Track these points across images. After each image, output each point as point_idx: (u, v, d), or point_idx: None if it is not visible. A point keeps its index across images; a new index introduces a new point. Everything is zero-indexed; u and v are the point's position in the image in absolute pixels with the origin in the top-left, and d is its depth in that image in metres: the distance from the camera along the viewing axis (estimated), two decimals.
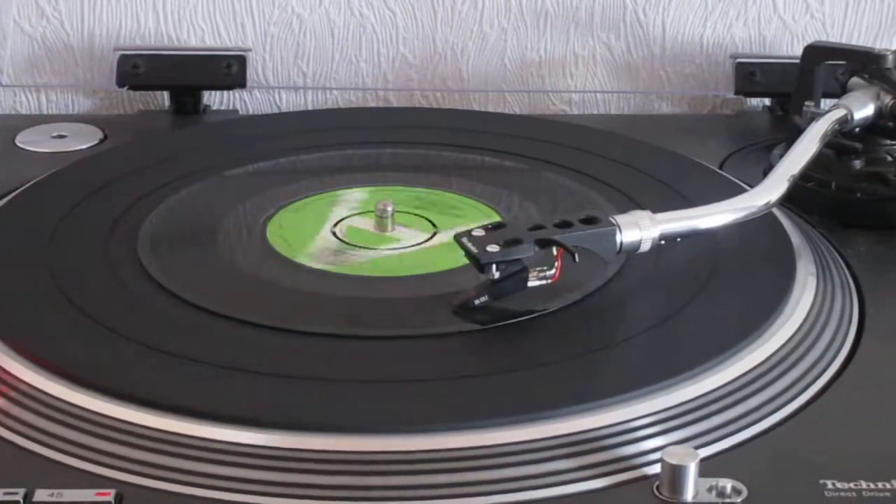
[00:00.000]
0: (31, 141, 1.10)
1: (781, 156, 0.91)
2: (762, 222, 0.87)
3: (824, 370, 0.77)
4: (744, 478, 0.66)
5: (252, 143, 1.05)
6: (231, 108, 1.22)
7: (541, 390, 0.72)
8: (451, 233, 0.82)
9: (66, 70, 1.21)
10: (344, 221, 0.91)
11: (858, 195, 0.96)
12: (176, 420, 0.69)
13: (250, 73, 1.19)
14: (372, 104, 1.23)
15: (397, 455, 0.67)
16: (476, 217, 0.91)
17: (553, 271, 0.78)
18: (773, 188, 0.87)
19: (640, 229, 0.80)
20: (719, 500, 0.65)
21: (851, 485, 0.67)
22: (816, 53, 1.04)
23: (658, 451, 0.67)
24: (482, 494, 0.66)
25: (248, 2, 1.20)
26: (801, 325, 0.79)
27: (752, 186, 0.88)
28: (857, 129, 0.96)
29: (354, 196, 0.95)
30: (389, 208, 0.89)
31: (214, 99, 1.21)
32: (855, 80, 0.99)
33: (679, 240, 0.82)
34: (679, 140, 1.09)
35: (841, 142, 0.96)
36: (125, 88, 1.19)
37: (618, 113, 1.24)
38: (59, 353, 0.74)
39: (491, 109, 1.23)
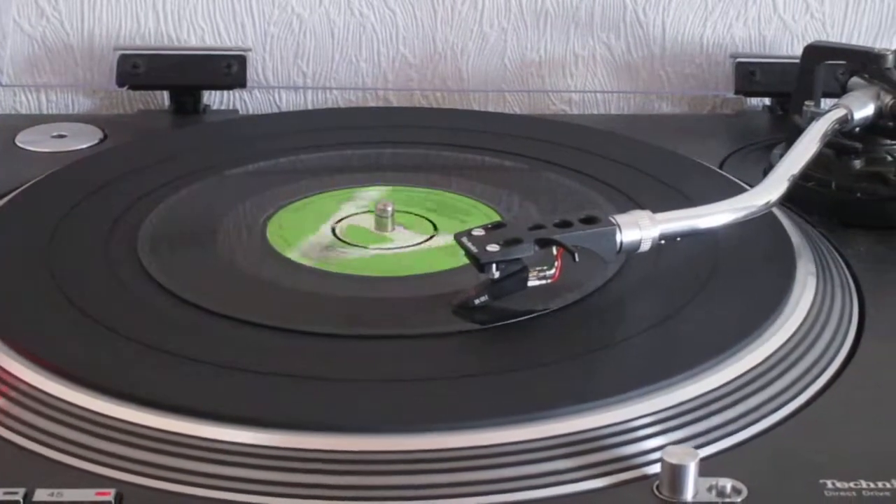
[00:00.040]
0: (31, 141, 1.10)
1: (781, 155, 0.91)
2: (762, 222, 0.87)
3: (824, 370, 0.77)
4: (744, 477, 0.66)
5: (252, 143, 1.05)
6: (231, 107, 1.22)
7: (541, 390, 0.72)
8: (448, 237, 0.82)
9: (65, 70, 1.21)
10: (348, 219, 0.91)
11: (858, 195, 0.96)
12: (176, 420, 0.69)
13: (250, 73, 1.19)
14: (372, 104, 1.23)
15: (397, 455, 0.67)
16: None
17: (553, 271, 0.78)
18: (773, 188, 0.87)
19: (640, 229, 0.80)
20: (719, 500, 0.65)
21: (851, 484, 0.67)
22: (816, 53, 1.04)
23: (658, 450, 0.67)
24: (482, 494, 0.66)
25: (248, 2, 1.20)
26: (800, 325, 0.79)
27: (752, 186, 0.88)
28: (857, 129, 0.96)
29: (370, 195, 0.95)
30: (389, 208, 0.90)
31: (214, 99, 1.21)
32: (855, 79, 0.99)
33: (679, 239, 0.82)
34: (679, 140, 1.09)
35: (841, 141, 0.96)
36: (125, 88, 1.19)
37: (618, 113, 1.24)
38: (59, 353, 0.74)
39: (491, 109, 1.23)
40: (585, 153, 1.02)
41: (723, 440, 0.71)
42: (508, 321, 0.78)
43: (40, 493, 0.64)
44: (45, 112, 1.22)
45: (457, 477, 0.67)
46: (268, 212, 0.92)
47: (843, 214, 0.96)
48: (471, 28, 1.21)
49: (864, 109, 0.95)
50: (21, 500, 0.64)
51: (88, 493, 0.65)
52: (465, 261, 0.78)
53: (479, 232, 0.79)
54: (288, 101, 1.23)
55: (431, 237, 0.89)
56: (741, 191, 0.89)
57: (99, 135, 1.11)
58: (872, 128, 0.96)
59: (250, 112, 1.22)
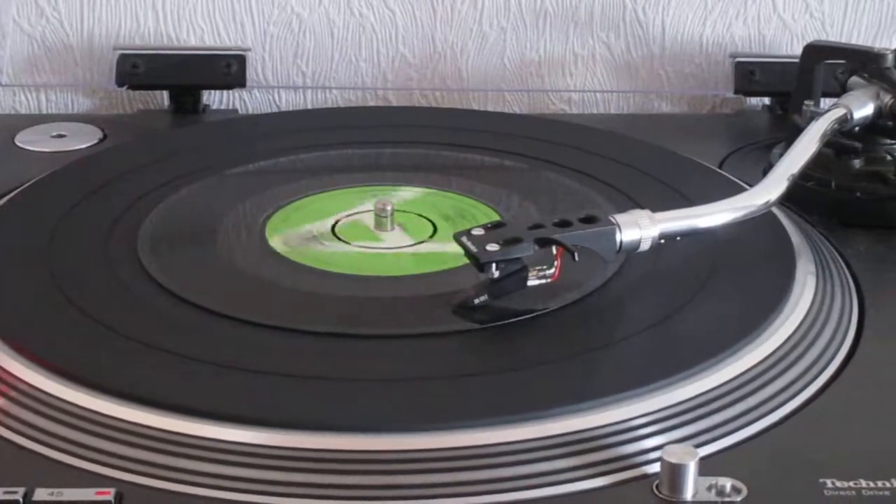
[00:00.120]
0: (31, 140, 1.10)
1: (781, 155, 0.91)
2: (762, 221, 0.87)
3: (824, 369, 0.77)
4: (743, 476, 0.66)
5: (252, 143, 1.05)
6: (231, 107, 1.22)
7: (540, 389, 0.72)
8: (440, 246, 0.82)
9: (65, 69, 1.21)
10: (358, 215, 0.91)
11: (858, 194, 0.96)
12: (175, 419, 0.69)
13: (250, 73, 1.19)
14: (371, 103, 1.23)
15: (397, 454, 0.67)
16: None
17: (553, 270, 0.78)
18: (772, 187, 0.87)
19: (639, 228, 0.80)
20: (719, 499, 0.65)
21: (851, 483, 0.67)
22: (816, 53, 1.04)
23: (658, 449, 0.67)
24: (481, 494, 0.66)
25: (247, 1, 1.20)
26: (800, 324, 0.79)
27: (751, 186, 0.88)
28: (857, 129, 0.96)
29: (400, 195, 0.95)
30: (388, 208, 0.90)
31: (214, 98, 1.21)
32: (854, 79, 0.99)
33: (679, 239, 0.82)
34: (679, 139, 1.09)
35: (840, 141, 0.96)
36: (125, 88, 1.19)
37: (617, 112, 1.24)
38: (59, 353, 0.74)
39: (490, 109, 1.23)
40: (585, 153, 1.02)
41: (722, 439, 0.71)
42: (508, 321, 0.78)
43: (40, 493, 0.64)
44: (44, 112, 1.22)
45: (456, 476, 0.67)
46: (267, 211, 0.92)
47: (843, 214, 0.96)
48: (470, 28, 1.21)
49: (863, 109, 0.95)
50: (21, 500, 0.64)
51: (88, 493, 0.65)
52: (453, 263, 0.78)
53: (478, 231, 0.79)
54: (287, 101, 1.23)
55: (419, 242, 0.89)
56: (741, 190, 0.89)
57: (98, 134, 1.11)
58: (872, 127, 0.96)
59: (250, 112, 1.22)
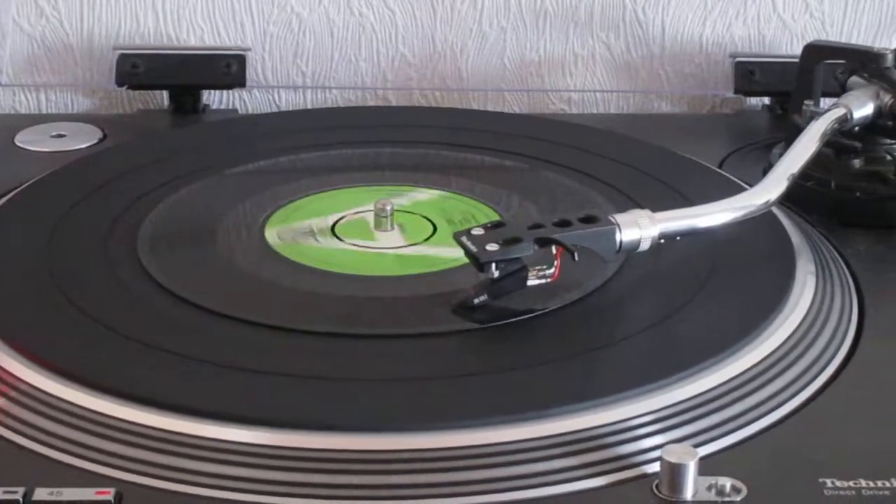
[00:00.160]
0: (31, 140, 1.10)
1: (781, 155, 0.91)
2: (761, 221, 0.87)
3: (824, 369, 0.77)
4: (743, 476, 0.66)
5: (251, 143, 1.05)
6: (230, 107, 1.22)
7: (540, 389, 0.72)
8: (429, 249, 0.82)
9: (65, 69, 1.21)
10: (360, 214, 0.91)
11: (858, 194, 0.96)
12: (175, 419, 0.69)
13: (250, 73, 1.19)
14: (371, 103, 1.23)
15: (397, 454, 0.67)
16: None
17: (552, 270, 0.78)
18: (772, 187, 0.87)
19: (639, 228, 0.80)
20: (719, 499, 0.65)
21: (851, 483, 0.67)
22: (816, 52, 1.04)
23: (657, 449, 0.67)
24: (481, 493, 0.66)
25: (247, 1, 1.20)
26: (800, 324, 0.79)
27: (751, 185, 0.88)
28: (857, 128, 0.96)
29: (414, 195, 0.95)
30: (388, 207, 0.90)
31: (214, 98, 1.21)
32: (854, 79, 0.99)
33: (678, 239, 0.82)
34: (678, 139, 1.09)
35: (840, 141, 0.96)
36: (124, 88, 1.19)
37: (617, 112, 1.24)
38: (59, 353, 0.74)
39: (490, 109, 1.23)
40: (585, 153, 1.02)
41: (722, 439, 0.71)
42: (508, 320, 0.78)
43: (40, 493, 0.64)
44: (44, 112, 1.22)
45: (456, 476, 0.67)
46: (267, 211, 0.92)
47: (843, 214, 0.96)
48: (470, 27, 1.21)
49: (863, 108, 0.95)
50: (21, 500, 0.64)
51: (88, 493, 0.65)
52: (435, 267, 0.78)
53: (478, 231, 0.79)
54: (287, 101, 1.23)
55: (413, 244, 0.89)
56: (740, 190, 0.89)
57: (98, 134, 1.11)
58: (872, 127, 0.96)
59: (250, 111, 1.22)
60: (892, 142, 0.97)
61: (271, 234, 0.88)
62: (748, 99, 1.22)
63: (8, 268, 0.84)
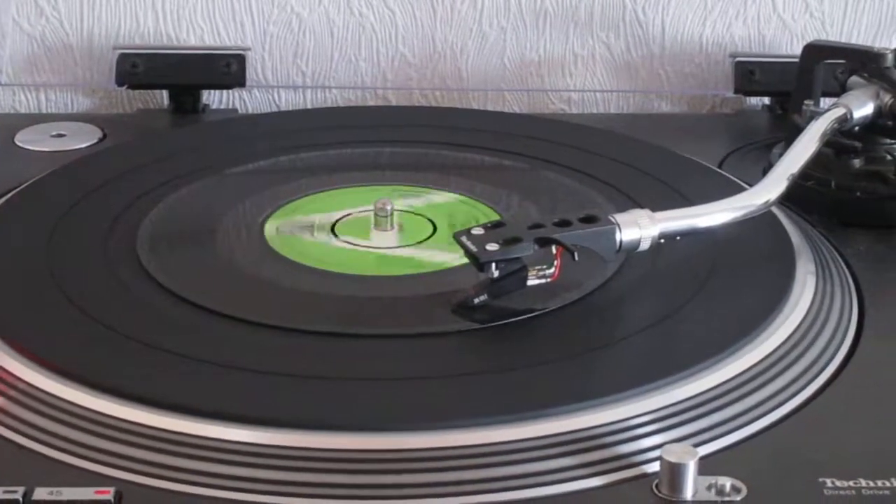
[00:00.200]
0: (31, 140, 1.10)
1: (781, 155, 0.91)
2: (761, 221, 0.87)
3: (824, 368, 0.77)
4: (743, 476, 0.66)
5: (251, 142, 1.05)
6: (230, 107, 1.22)
7: (540, 388, 0.72)
8: (422, 252, 0.82)
9: (65, 69, 1.21)
10: (367, 213, 0.91)
11: (858, 194, 0.96)
12: (175, 418, 0.69)
13: (249, 73, 1.19)
14: (371, 103, 1.23)
15: (396, 453, 0.67)
16: None
17: (552, 270, 0.78)
18: (772, 187, 0.87)
19: (639, 228, 0.80)
20: (718, 499, 0.65)
21: (851, 483, 0.67)
22: (816, 52, 1.04)
23: (657, 449, 0.67)
24: (481, 493, 0.66)
25: (247, 1, 1.20)
26: (800, 324, 0.79)
27: (751, 185, 0.88)
28: (857, 128, 0.96)
29: (431, 198, 0.95)
30: (388, 207, 0.90)
31: (214, 98, 1.21)
32: (854, 78, 0.99)
33: (678, 238, 0.82)
34: (678, 139, 1.09)
35: (840, 140, 0.96)
36: (124, 87, 1.19)
37: (617, 112, 1.24)
38: (59, 352, 0.74)
39: (490, 108, 1.23)
40: (585, 152, 1.02)
41: (722, 439, 0.71)
42: (508, 320, 0.78)
43: (40, 492, 0.64)
44: (44, 111, 1.22)
45: (456, 475, 0.67)
46: (267, 211, 0.92)
47: (843, 213, 0.96)
48: (470, 27, 1.21)
49: (863, 108, 0.95)
50: (20, 499, 0.64)
51: (88, 492, 0.65)
52: (411, 269, 0.78)
53: (478, 231, 0.79)
54: (287, 101, 1.23)
55: (403, 246, 0.88)
56: (740, 190, 0.89)
57: (98, 134, 1.11)
58: (872, 127, 0.96)
59: (249, 111, 1.22)
60: (892, 141, 0.97)
61: (270, 227, 0.88)
62: (748, 99, 1.22)
63: (8, 267, 0.84)
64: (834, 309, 0.82)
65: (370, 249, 0.88)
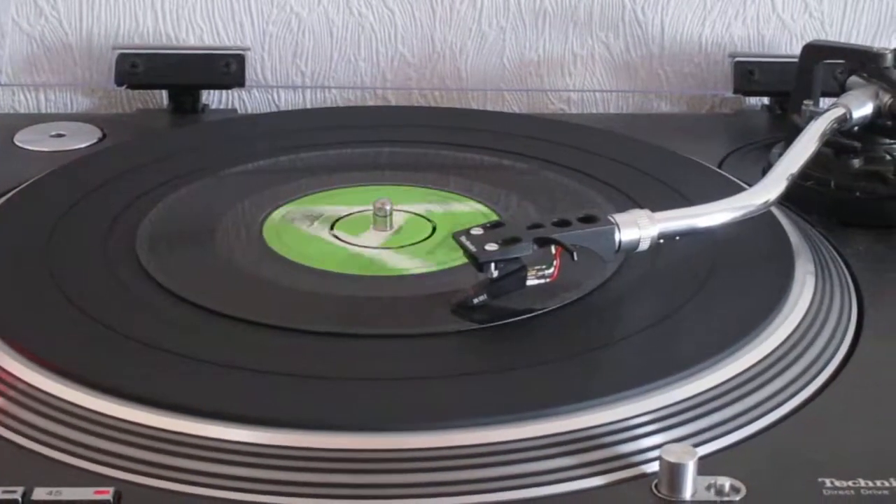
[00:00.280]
0: (30, 140, 1.10)
1: (780, 155, 0.91)
2: (761, 221, 0.87)
3: (823, 368, 0.77)
4: (742, 476, 0.66)
5: (251, 142, 1.05)
6: (230, 107, 1.22)
7: (540, 388, 0.72)
8: (395, 257, 0.83)
9: (64, 69, 1.21)
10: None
11: (857, 194, 0.96)
12: (174, 418, 0.69)
13: (249, 73, 1.19)
14: (371, 103, 1.23)
15: (396, 453, 0.67)
16: None
17: (552, 270, 0.78)
18: (771, 187, 0.87)
19: (638, 228, 0.80)
20: (718, 499, 0.65)
21: (850, 483, 0.67)
22: (815, 52, 1.04)
23: (657, 449, 0.67)
24: (480, 492, 0.66)
25: (246, 1, 1.20)
26: (799, 324, 0.79)
27: (750, 185, 0.88)
28: (856, 128, 0.96)
29: (452, 206, 0.95)
30: (388, 207, 0.90)
31: (213, 98, 1.21)
32: (854, 78, 0.99)
33: (678, 238, 0.82)
34: (678, 139, 1.09)
35: (840, 140, 0.96)
36: (124, 87, 1.19)
37: (616, 112, 1.24)
38: (58, 352, 0.74)
39: (489, 108, 1.23)
40: (584, 152, 1.02)
41: (721, 439, 0.71)
42: (507, 320, 0.78)
43: (39, 492, 0.64)
44: (43, 111, 1.22)
45: (455, 475, 0.67)
46: (266, 210, 0.92)
47: (842, 213, 0.96)
48: (469, 27, 1.21)
49: (862, 108, 0.95)
50: (20, 499, 0.64)
51: (87, 492, 0.65)
52: (373, 272, 0.78)
53: (477, 231, 0.79)
54: (287, 101, 1.23)
55: (385, 247, 0.88)
56: (740, 190, 0.89)
57: (97, 134, 1.11)
58: (871, 127, 0.96)
59: (249, 111, 1.22)
60: (892, 141, 0.98)
61: (278, 213, 0.90)
62: (747, 99, 1.22)
63: (7, 267, 0.84)
64: (833, 309, 0.82)
65: (349, 246, 0.88)
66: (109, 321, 0.77)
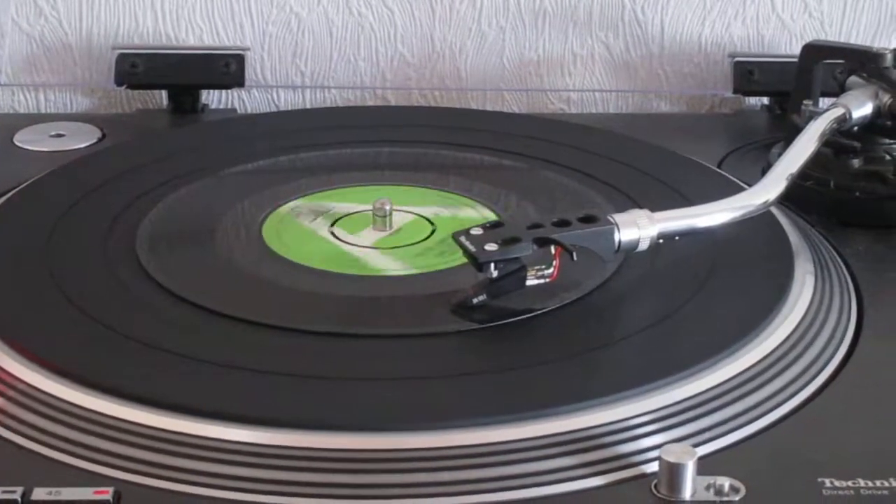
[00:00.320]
0: (30, 140, 1.10)
1: (780, 155, 0.91)
2: (760, 221, 0.87)
3: (823, 368, 0.77)
4: (742, 476, 0.66)
5: (250, 142, 1.05)
6: (229, 107, 1.22)
7: (539, 388, 0.72)
8: (380, 259, 0.83)
9: (64, 69, 1.21)
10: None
11: (857, 194, 0.96)
12: (174, 418, 0.69)
13: (249, 72, 1.19)
14: (370, 103, 1.23)
15: (395, 453, 0.67)
16: None
17: (551, 270, 0.78)
18: (771, 187, 0.87)
19: (638, 228, 0.80)
20: (717, 499, 0.65)
21: (849, 483, 0.67)
22: (815, 52, 1.04)
23: (656, 449, 0.67)
24: (480, 492, 0.66)
25: (246, 1, 1.20)
26: (799, 324, 0.79)
27: (750, 185, 0.88)
28: (856, 128, 0.96)
29: (467, 213, 0.94)
30: (387, 207, 0.90)
31: (213, 98, 1.21)
32: (853, 78, 0.99)
33: (677, 238, 0.82)
34: (677, 139, 1.09)
35: (839, 140, 0.96)
36: (123, 87, 1.19)
37: (616, 112, 1.24)
38: (58, 352, 0.74)
39: (489, 108, 1.23)
40: (584, 152, 1.02)
41: (721, 439, 0.71)
42: (507, 320, 0.78)
43: (38, 492, 0.64)
44: (43, 111, 1.22)
45: (455, 475, 0.67)
46: (266, 210, 0.92)
47: (842, 213, 0.96)
48: (469, 27, 1.21)
49: (862, 108, 0.95)
50: (19, 499, 0.64)
51: (87, 492, 0.65)
52: (357, 271, 0.78)
53: (477, 231, 0.79)
54: (286, 101, 1.23)
55: (373, 247, 0.88)
56: (739, 190, 0.89)
57: (97, 134, 1.11)
58: (871, 127, 0.96)
59: (249, 111, 1.22)
60: (891, 141, 0.98)
61: (288, 208, 0.91)
62: (747, 99, 1.22)
63: (7, 267, 0.84)
64: (833, 309, 0.82)
65: (342, 244, 0.88)
66: (109, 321, 0.77)
